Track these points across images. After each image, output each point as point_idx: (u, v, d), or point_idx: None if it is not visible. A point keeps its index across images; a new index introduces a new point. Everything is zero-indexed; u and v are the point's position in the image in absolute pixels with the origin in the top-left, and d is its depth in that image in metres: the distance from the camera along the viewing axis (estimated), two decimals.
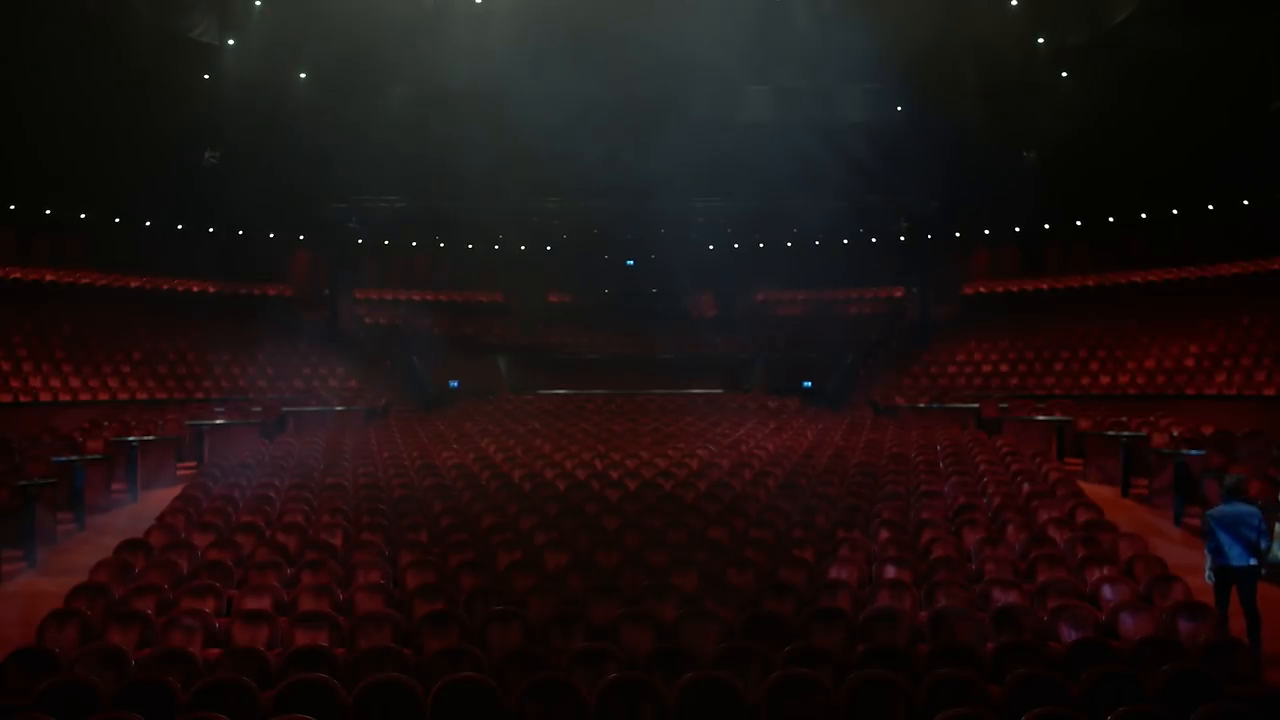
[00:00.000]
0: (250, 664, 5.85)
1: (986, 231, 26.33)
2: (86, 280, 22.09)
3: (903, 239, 25.22)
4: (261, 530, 9.44)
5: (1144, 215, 23.54)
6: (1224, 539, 7.29)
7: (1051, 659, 5.95)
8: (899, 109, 21.41)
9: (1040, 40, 19.00)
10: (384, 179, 22.69)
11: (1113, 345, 20.41)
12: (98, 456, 12.86)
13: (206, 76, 19.14)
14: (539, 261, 27.72)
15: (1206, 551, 7.44)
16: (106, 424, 14.91)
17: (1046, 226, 25.34)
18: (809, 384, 22.59)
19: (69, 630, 6.56)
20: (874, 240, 26.48)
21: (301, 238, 26.45)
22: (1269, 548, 7.35)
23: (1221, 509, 7.47)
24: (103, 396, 17.65)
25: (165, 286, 23.24)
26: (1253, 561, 7.23)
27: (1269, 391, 16.14)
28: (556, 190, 23.41)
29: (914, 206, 23.59)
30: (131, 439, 14.05)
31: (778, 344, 24.87)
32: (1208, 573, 7.44)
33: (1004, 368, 21.25)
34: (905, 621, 6.70)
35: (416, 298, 27.36)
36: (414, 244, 27.57)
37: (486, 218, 24.50)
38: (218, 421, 16.67)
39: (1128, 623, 6.66)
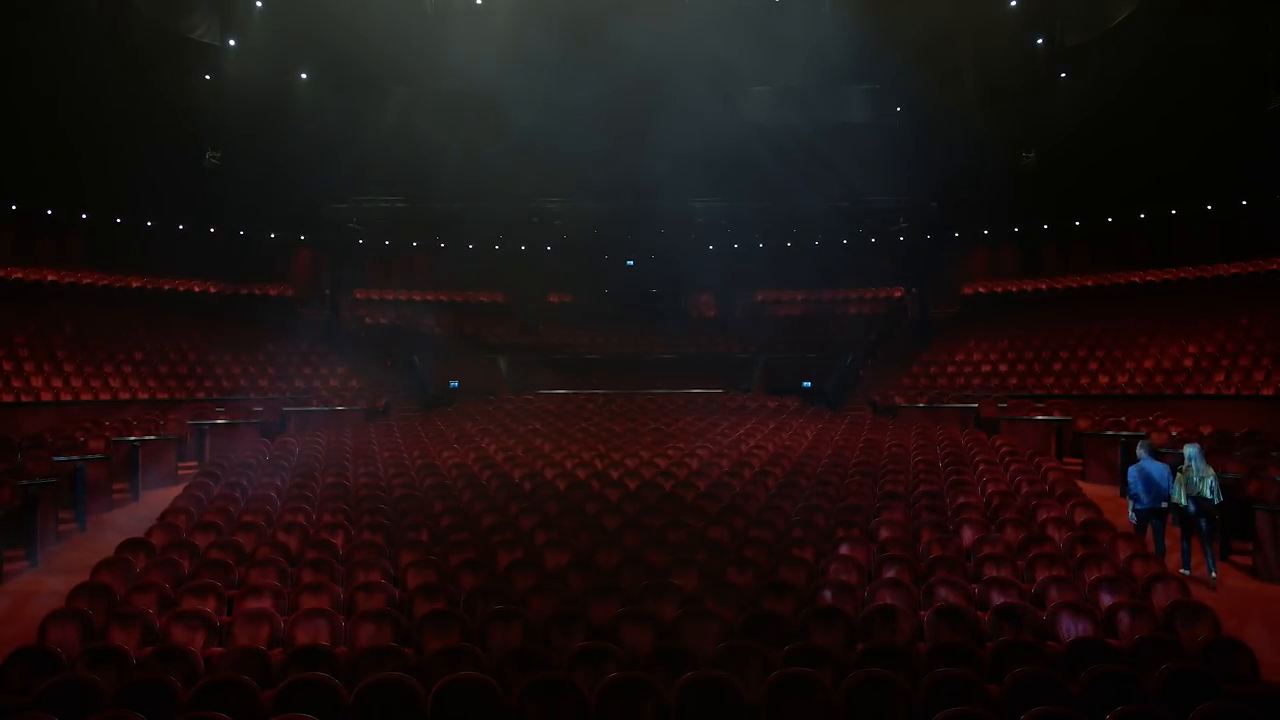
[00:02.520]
0: (251, 663, 5.86)
1: (986, 231, 26.36)
2: (87, 280, 22.12)
3: (903, 239, 25.24)
4: (262, 529, 9.46)
5: (1143, 215, 23.57)
6: (1142, 488, 9.74)
7: (1050, 658, 5.96)
8: (898, 109, 21.42)
9: (1040, 40, 19.02)
10: (384, 179, 22.72)
11: (1112, 345, 20.43)
12: (99, 456, 12.87)
13: (207, 76, 19.17)
14: (539, 261, 27.74)
15: (1129, 498, 9.90)
16: (108, 424, 14.93)
17: (1046, 226, 25.38)
18: (809, 384, 22.60)
19: (70, 629, 6.57)
20: (874, 240, 26.49)
21: (302, 238, 26.48)
22: (1172, 494, 9.60)
23: (1141, 465, 9.85)
24: (104, 396, 17.67)
25: (166, 286, 23.27)
26: (1163, 504, 9.68)
27: (1268, 391, 16.17)
28: (556, 190, 23.43)
29: (914, 206, 23.61)
30: (133, 439, 14.08)
31: (778, 344, 24.89)
32: (1130, 514, 9.89)
33: (1003, 367, 21.27)
34: (905, 621, 6.72)
35: (417, 298, 27.39)
36: (414, 244, 27.60)
37: (486, 218, 24.52)
38: (219, 421, 16.70)
39: (1126, 622, 6.67)
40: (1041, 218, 25.08)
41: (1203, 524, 9.33)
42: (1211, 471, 9.52)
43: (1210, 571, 9.22)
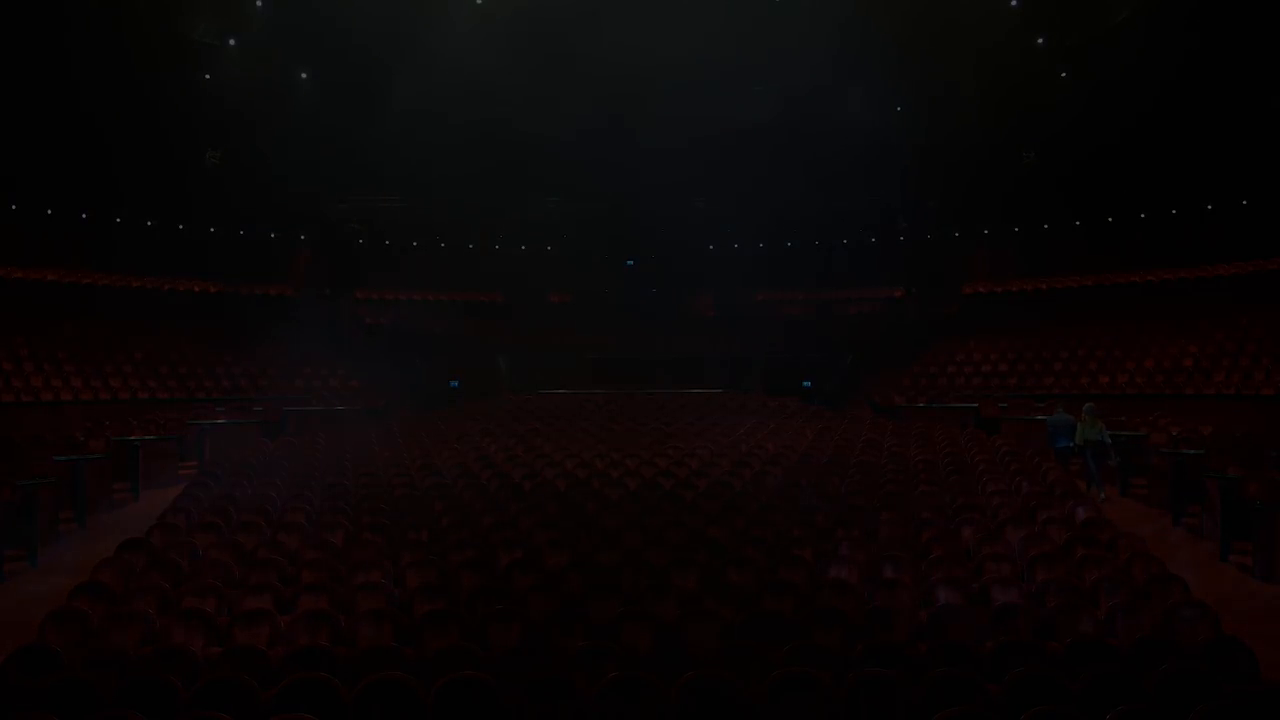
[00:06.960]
0: (251, 663, 5.85)
1: (986, 231, 26.37)
2: (87, 280, 22.11)
3: (903, 239, 25.23)
4: (262, 529, 9.45)
5: (1144, 215, 23.57)
6: (1056, 434, 13.55)
7: (1050, 658, 5.95)
8: (899, 109, 21.43)
9: (1040, 40, 19.03)
10: (384, 179, 22.76)
11: (1112, 345, 20.42)
12: (99, 456, 12.85)
13: (207, 76, 19.18)
14: (539, 261, 27.75)
15: (1049, 439, 13.73)
16: (108, 423, 14.92)
17: (1046, 226, 25.38)
18: (809, 384, 22.60)
19: (70, 629, 6.56)
20: (874, 240, 26.51)
21: (302, 237, 26.49)
22: (1075, 438, 13.11)
23: (1056, 417, 13.81)
24: (104, 396, 17.68)
25: (165, 286, 23.26)
26: (1070, 444, 13.23)
27: (1268, 391, 16.17)
28: (556, 190, 23.45)
29: (914, 206, 23.61)
30: (133, 438, 14.05)
31: (778, 344, 24.88)
32: (1049, 443, 13.79)
33: (1003, 367, 21.27)
34: (904, 620, 6.71)
35: (417, 297, 27.39)
36: (414, 244, 27.62)
37: (486, 218, 24.54)
38: (219, 421, 16.69)
39: (1126, 622, 6.66)
40: (1041, 217, 25.08)
41: (1091, 460, 12.91)
42: (1101, 423, 13.02)
43: (1100, 494, 12.50)
